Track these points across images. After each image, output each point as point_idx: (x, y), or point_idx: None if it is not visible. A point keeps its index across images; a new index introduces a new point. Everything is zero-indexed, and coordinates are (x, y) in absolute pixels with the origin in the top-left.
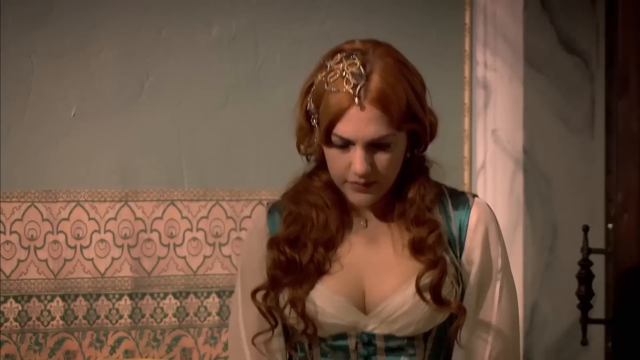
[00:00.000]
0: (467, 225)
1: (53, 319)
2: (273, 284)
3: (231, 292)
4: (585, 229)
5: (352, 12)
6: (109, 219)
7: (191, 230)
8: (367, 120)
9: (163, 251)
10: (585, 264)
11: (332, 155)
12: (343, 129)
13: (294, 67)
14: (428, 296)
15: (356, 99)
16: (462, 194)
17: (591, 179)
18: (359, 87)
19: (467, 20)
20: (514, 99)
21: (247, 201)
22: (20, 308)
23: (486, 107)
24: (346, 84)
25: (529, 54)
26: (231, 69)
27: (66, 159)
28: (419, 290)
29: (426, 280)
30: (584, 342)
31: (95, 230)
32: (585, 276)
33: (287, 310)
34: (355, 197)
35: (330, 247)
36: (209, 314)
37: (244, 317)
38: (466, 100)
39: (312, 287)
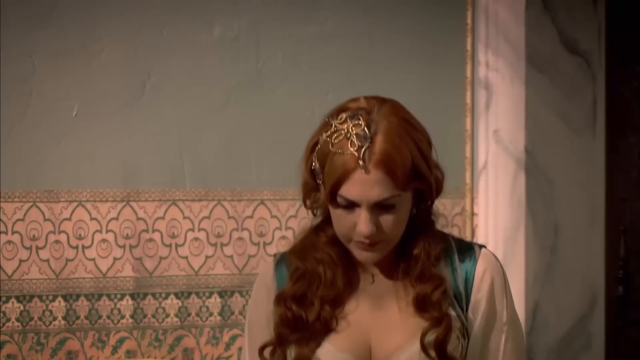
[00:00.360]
0: (473, 277)
1: (55, 319)
2: (280, 341)
3: (233, 292)
4: (624, 230)
5: (353, 11)
6: (111, 219)
7: (193, 230)
8: (372, 183)
9: (165, 251)
10: (623, 265)
11: (338, 215)
12: (348, 191)
13: (296, 67)
14: (433, 353)
15: (361, 162)
16: (469, 246)
17: (593, 179)
18: (363, 149)
19: (469, 20)
20: (515, 99)
21: (249, 201)
22: (22, 308)
23: (488, 108)
24: (351, 145)
25: (530, 54)
26: (233, 69)
27: (68, 159)
28: (423, 348)
29: (431, 337)
30: (622, 343)
31: (97, 230)
32: (623, 277)
33: None
34: (361, 255)
35: (337, 304)
36: (211, 314)
37: None
38: (468, 101)
39: (318, 345)
